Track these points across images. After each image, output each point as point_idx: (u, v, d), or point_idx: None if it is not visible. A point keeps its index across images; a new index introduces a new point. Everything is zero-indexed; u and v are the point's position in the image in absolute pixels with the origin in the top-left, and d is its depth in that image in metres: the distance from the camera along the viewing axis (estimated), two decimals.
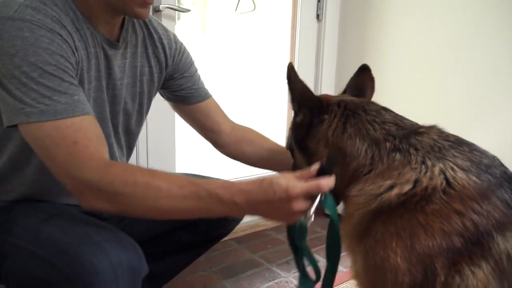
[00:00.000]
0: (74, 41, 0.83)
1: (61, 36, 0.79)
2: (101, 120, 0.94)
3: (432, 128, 0.79)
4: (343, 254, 0.79)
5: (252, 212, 0.77)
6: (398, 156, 0.74)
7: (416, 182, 0.69)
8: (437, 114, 1.85)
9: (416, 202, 0.68)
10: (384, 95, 2.11)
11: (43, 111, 0.74)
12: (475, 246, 0.63)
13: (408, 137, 0.76)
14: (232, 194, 0.75)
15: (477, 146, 0.76)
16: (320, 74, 2.29)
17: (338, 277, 1.62)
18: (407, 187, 0.69)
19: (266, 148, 1.23)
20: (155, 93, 1.15)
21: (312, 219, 0.74)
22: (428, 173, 0.69)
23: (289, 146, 0.96)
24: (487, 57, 1.69)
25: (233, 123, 1.25)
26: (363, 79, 1.01)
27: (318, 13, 2.20)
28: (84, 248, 0.77)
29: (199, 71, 1.23)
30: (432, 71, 1.88)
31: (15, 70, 0.73)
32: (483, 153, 0.74)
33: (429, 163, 0.71)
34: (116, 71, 0.98)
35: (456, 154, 0.72)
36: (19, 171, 0.94)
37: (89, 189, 0.75)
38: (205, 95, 1.19)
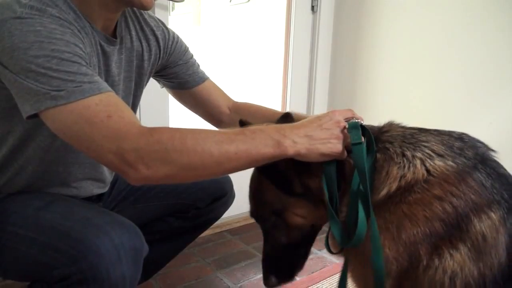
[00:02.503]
0: (82, 38, 0.83)
1: (72, 30, 0.80)
2: None
3: (391, 124, 0.82)
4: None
5: (301, 138, 0.74)
6: (378, 155, 0.75)
7: (402, 177, 0.71)
8: (433, 107, 1.86)
9: (400, 194, 0.70)
10: (379, 88, 2.14)
11: (70, 91, 0.72)
12: (455, 229, 0.66)
13: (378, 138, 0.78)
14: (276, 127, 0.76)
15: (441, 130, 0.78)
16: (314, 65, 2.28)
17: (332, 268, 1.65)
18: (394, 186, 0.71)
19: (270, 117, 1.20)
20: (146, 84, 1.15)
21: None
22: (412, 168, 0.71)
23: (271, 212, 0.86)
24: (483, 49, 1.69)
25: (234, 101, 1.25)
26: None
27: (313, 5, 2.19)
28: (86, 230, 0.78)
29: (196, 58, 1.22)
30: (428, 64, 1.88)
31: (31, 64, 0.72)
32: (451, 135, 0.76)
33: (408, 153, 0.73)
34: (113, 67, 0.98)
35: (428, 138, 0.74)
36: (19, 164, 0.94)
37: (138, 157, 0.70)
38: (201, 79, 1.19)
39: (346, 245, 0.75)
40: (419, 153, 0.72)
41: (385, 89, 2.08)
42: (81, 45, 0.80)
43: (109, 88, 0.78)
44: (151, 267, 1.30)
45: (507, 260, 0.65)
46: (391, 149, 0.74)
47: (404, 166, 0.71)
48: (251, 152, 0.72)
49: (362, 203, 0.72)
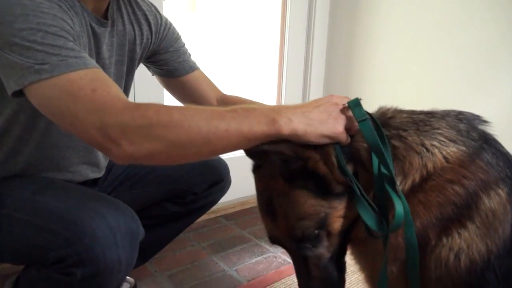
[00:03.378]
0: (71, 17, 0.81)
1: (60, 6, 0.77)
2: None
3: (389, 108, 0.80)
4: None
5: (298, 117, 0.69)
6: (396, 143, 0.72)
7: (423, 167, 0.70)
8: (428, 93, 1.87)
9: (419, 184, 0.70)
10: (375, 76, 2.14)
11: (54, 65, 0.70)
12: (464, 209, 0.67)
13: (386, 123, 0.75)
14: (271, 106, 0.72)
15: (442, 111, 0.77)
16: (310, 53, 2.28)
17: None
18: (417, 176, 0.70)
19: None
20: (136, 68, 1.15)
21: None
22: (432, 157, 0.70)
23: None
24: (477, 35, 1.69)
25: (222, 93, 1.25)
26: None
27: None
28: (82, 213, 0.78)
29: (188, 49, 1.22)
30: (423, 51, 1.88)
31: (15, 37, 0.69)
32: (453, 116, 0.76)
33: (427, 142, 0.71)
34: (104, 50, 0.97)
35: (439, 124, 0.74)
36: (10, 147, 0.94)
37: (121, 132, 0.66)
38: (190, 68, 1.18)
39: (386, 230, 0.67)
40: (435, 142, 0.71)
41: (381, 78, 2.08)
42: (69, 21, 0.78)
43: (97, 65, 0.76)
44: (147, 251, 1.31)
45: (510, 234, 0.66)
46: (409, 138, 0.72)
47: (425, 156, 0.70)
48: (242, 130, 0.67)
49: (388, 183, 0.67)
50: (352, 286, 1.41)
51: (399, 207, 0.64)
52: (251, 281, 1.49)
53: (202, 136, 0.67)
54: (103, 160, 1.13)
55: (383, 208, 0.68)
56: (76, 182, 1.05)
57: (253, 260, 1.64)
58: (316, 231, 0.72)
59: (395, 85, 2.01)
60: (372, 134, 0.69)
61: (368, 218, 0.67)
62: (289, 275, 1.51)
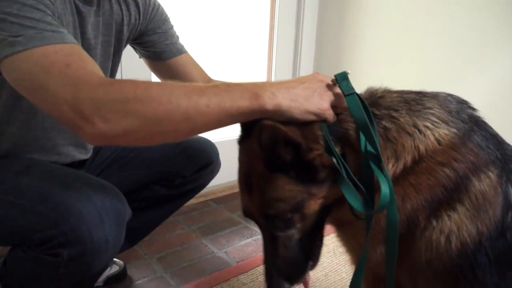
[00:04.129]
0: None
1: None
2: None
3: (378, 89, 0.78)
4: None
5: (281, 92, 0.66)
6: (387, 124, 0.70)
7: (415, 149, 0.69)
8: (419, 73, 1.88)
9: (410, 167, 0.69)
10: (366, 55, 2.13)
11: (29, 38, 0.66)
12: (454, 192, 0.67)
13: (376, 103, 0.73)
14: (254, 82, 0.69)
15: (432, 92, 0.76)
16: (300, 35, 2.26)
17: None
18: (409, 159, 0.69)
19: None
20: (124, 48, 1.13)
21: None
22: (424, 139, 0.69)
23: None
24: (468, 14, 1.70)
25: (210, 78, 1.23)
26: None
27: None
28: (67, 194, 0.77)
29: (177, 32, 1.20)
30: (414, 29, 1.88)
31: None
32: (442, 97, 0.75)
33: (419, 123, 0.70)
34: (89, 30, 0.95)
35: (431, 104, 0.73)
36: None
37: (94, 108, 0.62)
38: (178, 51, 1.16)
39: (371, 211, 0.66)
40: (428, 122, 0.70)
41: (371, 61, 2.08)
42: None
43: (75, 41, 0.73)
44: (136, 234, 1.31)
45: (500, 216, 0.66)
46: (401, 119, 0.70)
47: (417, 138, 0.69)
48: (224, 105, 0.64)
49: (374, 161, 0.66)
50: (340, 267, 1.44)
51: (384, 186, 0.63)
52: (240, 262, 1.50)
53: (182, 112, 0.63)
54: None
55: (369, 188, 0.67)
56: (62, 164, 1.04)
57: (243, 242, 1.65)
58: (290, 215, 0.70)
59: (385, 68, 2.01)
60: (358, 109, 0.67)
61: (353, 200, 0.66)
62: None
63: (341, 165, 0.67)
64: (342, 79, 0.70)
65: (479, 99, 0.79)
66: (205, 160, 1.30)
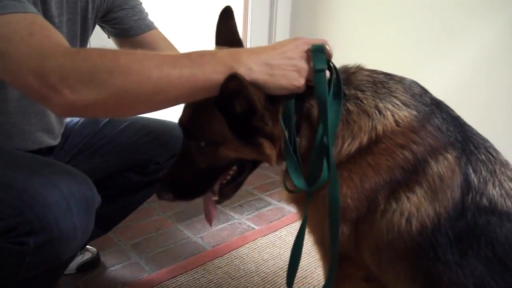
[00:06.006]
0: None
1: None
2: None
3: (353, 65, 0.80)
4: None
5: (259, 66, 0.65)
6: (351, 107, 0.73)
7: (372, 130, 0.71)
8: (387, 57, 1.90)
9: (368, 146, 0.71)
10: (341, 35, 2.14)
11: None
12: (412, 173, 0.69)
13: (348, 80, 0.75)
14: (230, 51, 0.67)
15: (399, 76, 0.78)
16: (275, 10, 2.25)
17: (290, 217, 1.71)
18: (365, 139, 0.71)
19: None
20: (93, 29, 1.09)
21: None
22: (383, 120, 0.71)
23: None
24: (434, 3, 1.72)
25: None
26: (231, 23, 0.85)
27: None
28: (31, 181, 0.75)
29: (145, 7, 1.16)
30: (386, 14, 1.90)
31: None
32: (406, 80, 0.77)
33: (381, 105, 0.72)
34: (53, 7, 0.91)
35: (396, 87, 0.75)
36: None
37: (62, 77, 0.60)
38: (147, 27, 1.13)
39: (308, 188, 0.71)
40: (389, 105, 0.72)
41: (348, 13, 2.08)
42: None
43: (38, 12, 0.70)
44: (109, 220, 1.30)
45: (460, 197, 0.68)
46: (364, 101, 0.72)
47: (376, 119, 0.71)
48: (197, 78, 0.62)
49: (325, 152, 0.68)
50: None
51: (324, 172, 0.68)
52: (216, 246, 1.51)
53: (153, 84, 0.61)
54: (57, 125, 1.09)
55: (316, 167, 0.70)
56: (30, 151, 1.01)
57: (218, 227, 1.66)
58: (203, 144, 0.75)
59: (363, 28, 2.02)
60: (323, 89, 0.67)
61: (295, 175, 0.70)
62: (253, 240, 1.55)
63: (289, 140, 0.70)
64: (315, 52, 0.68)
65: (443, 85, 0.81)
66: (179, 146, 1.28)
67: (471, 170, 0.69)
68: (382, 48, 1.92)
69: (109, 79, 0.60)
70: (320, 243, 0.80)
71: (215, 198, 0.85)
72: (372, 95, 0.73)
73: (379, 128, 0.71)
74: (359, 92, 0.74)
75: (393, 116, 0.71)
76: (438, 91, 0.79)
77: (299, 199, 0.80)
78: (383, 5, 1.91)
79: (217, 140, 0.74)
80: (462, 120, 0.76)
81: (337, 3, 2.09)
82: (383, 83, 0.75)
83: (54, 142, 1.11)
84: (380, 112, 0.72)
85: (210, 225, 0.85)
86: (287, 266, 0.81)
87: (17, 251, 0.76)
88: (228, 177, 0.83)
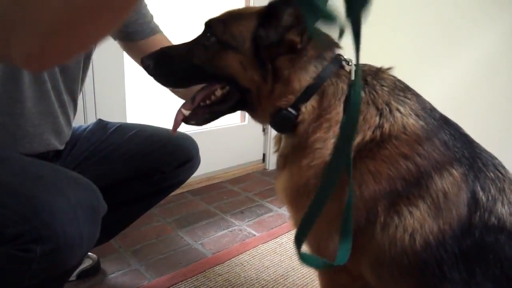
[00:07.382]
0: None
1: None
2: None
3: (388, 69, 0.80)
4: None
5: None
6: (363, 94, 0.73)
7: (378, 127, 0.70)
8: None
9: (369, 149, 0.69)
10: (342, 41, 2.14)
11: None
12: (414, 187, 0.68)
13: (377, 74, 0.77)
14: None
15: (414, 90, 0.79)
16: None
17: (287, 225, 1.71)
18: (368, 134, 0.70)
19: None
20: None
21: None
22: (391, 119, 0.70)
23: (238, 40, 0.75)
24: (431, 10, 1.75)
25: None
26: None
27: None
28: (38, 188, 0.75)
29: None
30: (383, 23, 1.92)
31: None
32: (419, 96, 0.78)
33: (393, 103, 0.72)
34: None
35: (411, 97, 0.75)
36: None
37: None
38: (152, 30, 1.14)
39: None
40: (401, 108, 0.72)
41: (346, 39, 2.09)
42: None
43: None
44: (112, 229, 1.30)
45: (467, 215, 0.66)
46: (379, 92, 0.73)
47: (385, 116, 0.70)
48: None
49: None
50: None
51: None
52: (216, 253, 1.51)
53: (70, 16, 0.40)
54: (65, 127, 1.09)
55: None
56: (37, 154, 1.01)
57: (219, 234, 1.66)
58: (214, 40, 0.75)
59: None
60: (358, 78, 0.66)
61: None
62: (254, 247, 1.55)
63: (358, 71, 0.64)
64: None
65: (444, 92, 0.82)
66: (185, 156, 1.28)
67: (479, 188, 0.68)
68: (383, 55, 1.93)
69: (22, 18, 0.41)
70: (316, 249, 0.79)
71: (186, 113, 0.83)
72: (388, 91, 0.74)
73: (386, 127, 0.70)
74: (378, 85, 0.75)
75: (402, 119, 0.71)
76: (438, 98, 0.80)
77: (297, 201, 0.77)
78: (384, 12, 1.92)
79: (231, 42, 0.75)
80: (470, 137, 0.75)
81: None
82: (402, 89, 0.76)
83: (61, 146, 1.11)
84: (390, 109, 0.71)
85: (172, 134, 0.86)
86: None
87: (24, 258, 0.76)
88: (208, 102, 0.82)
